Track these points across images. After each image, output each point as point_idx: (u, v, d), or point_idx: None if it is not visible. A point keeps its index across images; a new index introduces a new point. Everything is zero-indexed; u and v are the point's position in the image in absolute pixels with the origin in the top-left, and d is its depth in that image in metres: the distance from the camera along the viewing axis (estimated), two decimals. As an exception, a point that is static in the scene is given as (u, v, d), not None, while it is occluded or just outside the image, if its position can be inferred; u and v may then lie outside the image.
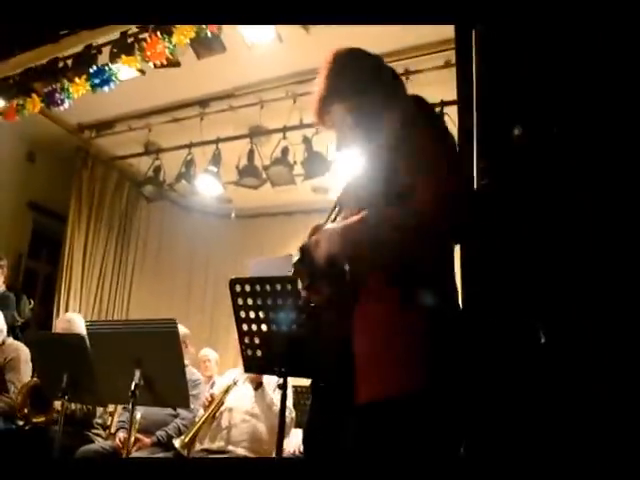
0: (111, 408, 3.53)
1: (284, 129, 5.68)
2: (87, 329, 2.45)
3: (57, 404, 3.31)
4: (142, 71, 4.26)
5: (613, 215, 1.46)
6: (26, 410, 3.08)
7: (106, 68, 3.53)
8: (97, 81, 3.64)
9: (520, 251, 1.54)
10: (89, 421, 3.42)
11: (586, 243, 1.47)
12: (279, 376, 1.99)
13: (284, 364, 1.99)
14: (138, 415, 3.13)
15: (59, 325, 3.79)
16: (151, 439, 3.11)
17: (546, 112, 1.52)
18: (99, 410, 3.35)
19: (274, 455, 1.97)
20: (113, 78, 3.62)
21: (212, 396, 3.03)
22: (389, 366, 1.40)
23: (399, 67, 4.95)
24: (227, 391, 3.02)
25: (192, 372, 3.26)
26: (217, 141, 5.95)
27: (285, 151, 5.64)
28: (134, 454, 2.96)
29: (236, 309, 2.13)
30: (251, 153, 5.81)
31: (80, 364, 2.55)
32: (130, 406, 2.28)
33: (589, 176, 1.47)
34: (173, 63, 3.88)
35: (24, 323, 4.85)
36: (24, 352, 3.48)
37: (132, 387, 2.28)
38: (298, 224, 6.30)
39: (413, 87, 4.94)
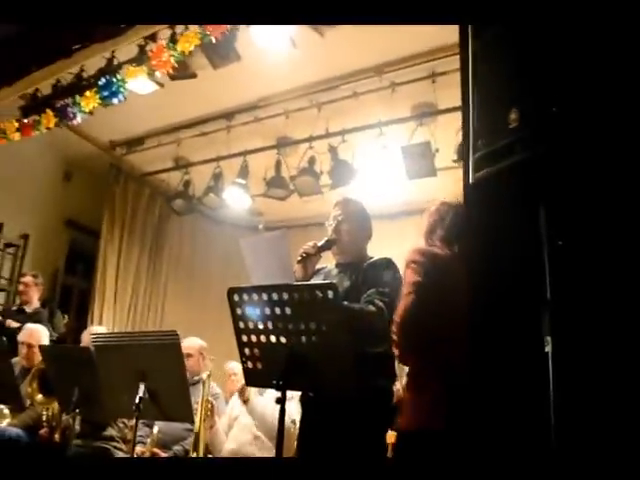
0: (132, 422, 3.52)
1: (310, 139, 5.65)
2: (92, 342, 2.45)
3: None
4: (160, 84, 4.31)
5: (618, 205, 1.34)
6: (34, 393, 3.11)
7: (114, 80, 3.57)
8: (106, 93, 3.68)
9: (518, 244, 1.43)
10: (102, 432, 3.40)
11: (591, 235, 1.35)
12: (277, 389, 1.91)
13: (282, 377, 1.91)
14: (155, 429, 3.11)
15: (85, 338, 3.83)
16: (168, 454, 3.08)
17: (544, 92, 1.40)
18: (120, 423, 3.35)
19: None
20: (121, 90, 3.65)
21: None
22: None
23: (424, 70, 4.88)
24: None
25: (211, 386, 3.22)
26: (244, 153, 5.96)
27: (312, 161, 5.61)
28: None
29: (235, 319, 2.07)
30: (278, 164, 5.81)
31: (89, 378, 2.54)
32: (135, 420, 2.26)
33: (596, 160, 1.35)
34: (189, 75, 3.89)
35: (59, 338, 4.94)
36: None
37: (137, 401, 2.25)
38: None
39: (439, 88, 4.86)
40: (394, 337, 2.07)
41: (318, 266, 2.58)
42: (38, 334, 3.86)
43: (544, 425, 1.24)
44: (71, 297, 6.92)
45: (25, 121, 4.22)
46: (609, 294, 1.32)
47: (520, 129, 1.41)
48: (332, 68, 5.09)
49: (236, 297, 2.04)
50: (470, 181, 1.53)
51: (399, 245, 6.24)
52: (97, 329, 3.97)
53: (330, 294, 1.85)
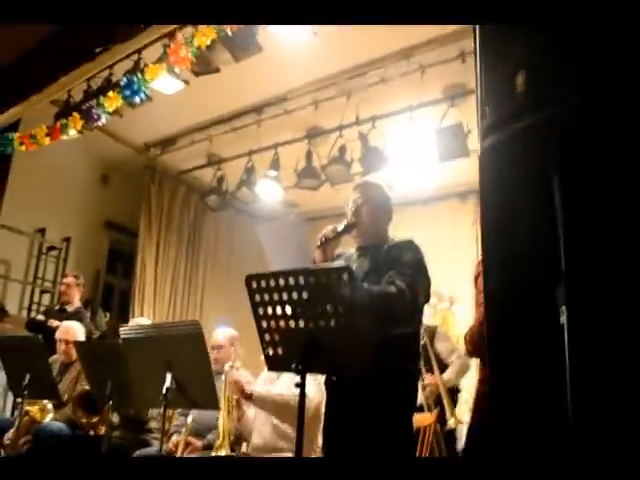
0: (170, 412, 3.56)
1: (340, 127, 5.61)
2: (121, 335, 2.48)
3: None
4: (186, 82, 4.34)
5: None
6: (80, 416, 3.18)
7: (134, 79, 3.60)
8: (128, 93, 3.72)
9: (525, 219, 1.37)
10: (142, 424, 3.46)
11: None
12: (297, 373, 1.89)
13: (301, 361, 1.89)
14: (190, 419, 3.14)
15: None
16: (202, 442, 3.11)
17: (550, 53, 1.33)
18: (154, 412, 3.40)
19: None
20: (143, 88, 3.69)
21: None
22: None
23: (453, 50, 4.77)
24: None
25: (244, 375, 3.23)
26: (275, 146, 5.97)
27: (342, 149, 5.58)
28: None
29: (254, 306, 2.06)
30: (309, 154, 5.79)
31: (120, 370, 2.58)
32: (162, 409, 2.28)
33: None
34: (212, 70, 3.91)
35: (101, 335, 5.07)
36: None
37: (164, 391, 2.27)
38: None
39: (470, 68, 4.74)
40: (468, 347, 2.09)
41: (338, 251, 2.54)
42: (73, 331, 3.95)
43: (561, 398, 1.18)
44: (112, 296, 7.12)
45: (54, 126, 4.31)
46: (626, 264, 1.25)
47: (527, 93, 1.34)
48: (358, 54, 5.03)
49: (254, 284, 2.02)
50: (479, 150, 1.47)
51: (431, 230, 6.25)
52: (140, 320, 4.02)
53: (345, 276, 1.82)
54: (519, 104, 1.36)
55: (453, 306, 6.13)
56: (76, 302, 4.97)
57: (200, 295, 7.04)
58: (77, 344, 3.23)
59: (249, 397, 2.86)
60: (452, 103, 5.06)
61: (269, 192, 5.99)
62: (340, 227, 2.44)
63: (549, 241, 1.30)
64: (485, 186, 1.50)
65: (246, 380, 3.17)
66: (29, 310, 6.08)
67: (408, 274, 2.26)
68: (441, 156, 4.83)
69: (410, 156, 5.19)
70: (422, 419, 2.61)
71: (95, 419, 3.23)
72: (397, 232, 2.57)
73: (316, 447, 2.87)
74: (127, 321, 5.96)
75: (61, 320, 4.42)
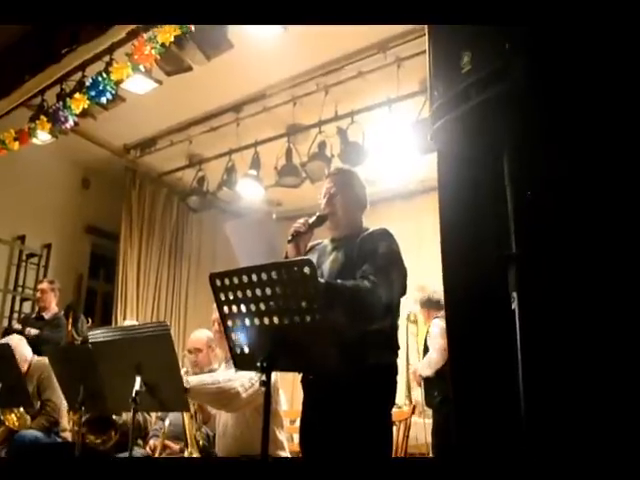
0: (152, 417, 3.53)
1: (319, 123, 5.59)
2: (90, 339, 2.44)
3: (120, 419, 3.37)
4: (158, 81, 4.29)
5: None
6: (92, 439, 3.15)
7: (100, 79, 3.55)
8: (93, 93, 3.67)
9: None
10: (141, 430, 3.43)
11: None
12: (261, 371, 1.85)
13: (267, 359, 1.85)
14: (167, 422, 3.10)
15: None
16: (180, 446, 3.07)
17: (494, 31, 1.30)
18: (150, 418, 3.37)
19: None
20: (108, 88, 3.64)
21: None
22: None
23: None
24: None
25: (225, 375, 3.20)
26: (255, 144, 5.94)
27: (322, 145, 5.56)
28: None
29: (219, 305, 2.01)
30: (288, 152, 5.76)
31: (92, 375, 2.54)
32: (132, 413, 2.24)
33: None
34: (184, 69, 3.86)
35: (82, 341, 5.00)
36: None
37: (133, 394, 2.23)
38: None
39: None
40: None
41: (312, 242, 2.49)
42: (18, 349, 3.71)
43: (512, 384, 1.15)
44: (96, 301, 7.06)
45: (22, 130, 4.26)
46: (579, 247, 1.22)
47: (473, 72, 1.31)
48: (333, 49, 5.01)
49: (218, 282, 1.97)
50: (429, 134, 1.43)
51: (416, 224, 6.22)
52: (128, 322, 3.97)
53: (307, 270, 1.78)
54: (466, 84, 1.32)
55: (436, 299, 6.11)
56: (53, 308, 4.91)
57: (184, 296, 6.99)
58: (48, 350, 3.19)
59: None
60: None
61: (250, 191, 5.96)
62: (312, 219, 2.38)
63: (503, 222, 1.27)
64: (439, 169, 1.47)
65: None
66: (10, 319, 6.01)
67: (382, 267, 2.21)
68: (420, 149, 4.80)
69: (391, 150, 5.16)
70: (399, 413, 2.58)
71: (104, 437, 3.20)
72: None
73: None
74: (111, 325, 5.93)
75: (39, 328, 4.37)
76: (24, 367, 3.71)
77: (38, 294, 4.98)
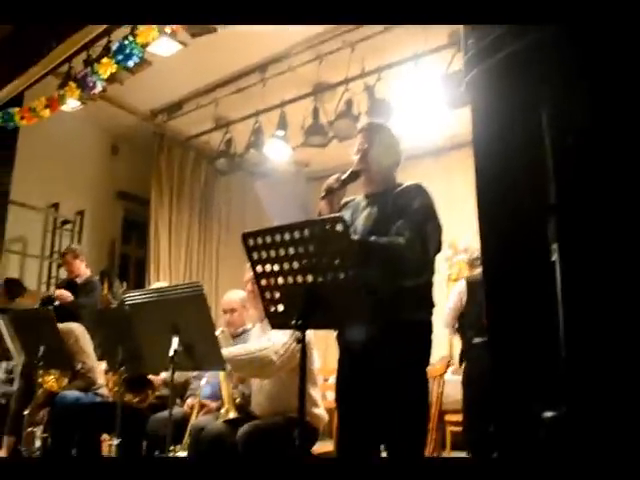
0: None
1: (346, 81, 5.50)
2: (126, 301, 2.48)
3: (156, 380, 3.45)
4: (183, 43, 4.25)
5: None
6: (130, 398, 3.22)
7: (126, 43, 3.53)
8: (120, 57, 3.66)
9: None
10: (185, 389, 3.51)
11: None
12: (296, 329, 1.86)
13: (301, 316, 1.86)
14: (204, 381, 3.16)
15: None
16: (217, 404, 3.14)
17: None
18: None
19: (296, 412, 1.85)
20: (135, 51, 3.61)
21: None
22: None
23: None
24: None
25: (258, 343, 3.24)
26: (281, 104, 5.88)
27: (349, 103, 5.48)
28: (201, 418, 2.99)
29: (253, 264, 2.01)
30: (315, 111, 5.70)
31: (129, 335, 2.59)
32: (170, 372, 2.28)
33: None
34: (208, 30, 3.81)
35: (118, 304, 5.10)
36: (76, 330, 3.63)
37: (171, 353, 2.27)
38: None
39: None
40: None
41: (346, 199, 2.45)
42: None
43: (553, 337, 1.13)
44: (129, 265, 7.20)
45: (52, 97, 4.28)
46: (622, 196, 1.17)
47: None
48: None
49: (251, 241, 1.98)
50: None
51: (445, 181, 6.14)
52: (159, 285, 4.02)
53: (339, 227, 1.77)
54: (501, 32, 1.27)
55: (469, 256, 6.06)
56: (84, 272, 4.92)
57: (215, 258, 7.09)
58: (86, 314, 3.28)
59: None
60: (459, 48, 4.89)
61: (278, 152, 5.92)
62: (345, 175, 2.33)
63: (541, 173, 1.23)
64: (473, 121, 1.42)
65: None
66: (48, 285, 6.17)
67: (417, 222, 2.18)
68: (449, 104, 4.70)
69: (418, 106, 5.06)
70: (432, 370, 2.58)
71: (142, 396, 3.28)
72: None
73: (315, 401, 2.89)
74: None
75: (73, 293, 4.45)
76: None
77: (64, 266, 5.01)
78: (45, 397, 3.54)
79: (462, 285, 4.21)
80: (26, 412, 3.28)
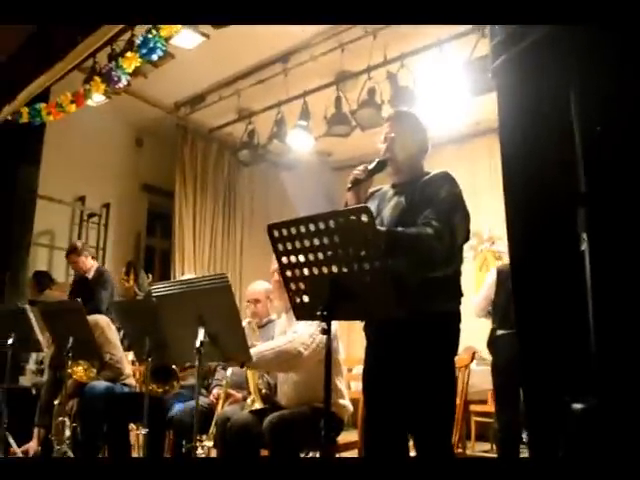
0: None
1: (368, 69, 5.45)
2: (152, 292, 2.51)
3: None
4: (206, 35, 4.26)
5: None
6: (154, 388, 3.25)
7: (149, 36, 3.55)
8: (144, 51, 3.68)
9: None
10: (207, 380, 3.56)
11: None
12: (322, 320, 1.86)
13: (326, 307, 1.85)
14: (229, 372, 3.19)
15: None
16: (242, 394, 3.17)
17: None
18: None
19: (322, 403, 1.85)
20: (159, 45, 3.63)
21: None
22: None
23: None
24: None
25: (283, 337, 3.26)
26: (304, 94, 5.86)
27: (371, 91, 5.43)
28: (226, 408, 3.02)
29: (278, 256, 2.01)
30: (338, 100, 5.67)
31: (156, 327, 2.62)
32: (196, 363, 2.31)
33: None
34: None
35: (145, 296, 5.17)
36: (101, 322, 3.69)
37: (197, 344, 2.29)
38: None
39: None
40: None
41: (372, 189, 2.43)
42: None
43: (583, 328, 1.11)
44: (154, 257, 7.29)
45: (78, 92, 4.34)
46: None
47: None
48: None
49: (276, 233, 1.98)
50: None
51: (469, 169, 6.07)
52: (187, 276, 4.06)
53: (364, 218, 1.76)
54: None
55: (494, 246, 6.01)
56: (92, 266, 4.90)
57: (239, 249, 7.15)
58: (113, 304, 3.33)
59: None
60: (483, 33, 4.81)
61: (300, 142, 5.92)
62: (371, 165, 2.31)
63: (570, 160, 1.21)
64: (500, 107, 1.40)
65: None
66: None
67: (445, 211, 2.15)
68: (472, 90, 4.63)
69: (442, 93, 5.00)
70: (459, 360, 2.56)
71: (166, 387, 3.32)
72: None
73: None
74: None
75: (90, 289, 4.46)
76: None
77: (71, 266, 4.99)
78: (74, 388, 3.60)
79: (493, 274, 4.19)
80: (56, 402, 3.35)
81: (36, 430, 3.78)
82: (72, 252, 4.87)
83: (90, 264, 4.90)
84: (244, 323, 2.55)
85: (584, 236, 1.16)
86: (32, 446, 3.75)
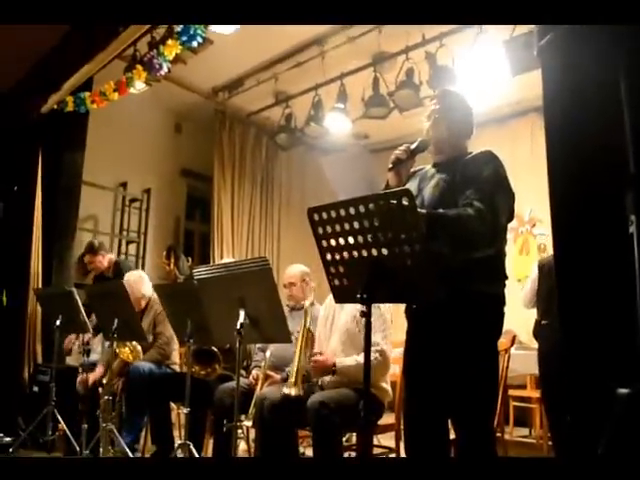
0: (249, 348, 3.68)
1: (406, 49, 5.37)
2: (194, 276, 2.56)
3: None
4: (242, 20, 4.25)
5: None
6: (196, 370, 3.33)
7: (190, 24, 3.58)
8: (185, 38, 3.71)
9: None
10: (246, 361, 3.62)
11: None
12: (362, 303, 1.86)
13: (366, 290, 1.86)
14: (268, 353, 3.23)
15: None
16: (281, 375, 3.21)
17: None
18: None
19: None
20: (199, 32, 3.66)
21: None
22: None
23: None
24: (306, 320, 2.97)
25: (317, 309, 3.28)
26: (341, 77, 5.83)
27: (409, 72, 5.35)
28: (265, 389, 3.07)
29: (318, 239, 2.02)
30: (375, 82, 5.61)
31: (197, 309, 2.68)
32: (237, 344, 2.35)
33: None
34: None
35: (185, 279, 5.26)
36: (152, 300, 3.82)
37: (238, 326, 2.34)
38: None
39: None
40: None
41: (414, 169, 2.40)
42: (135, 286, 3.93)
43: (630, 313, 1.09)
44: (193, 241, 7.40)
45: (121, 80, 4.41)
46: None
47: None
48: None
49: (316, 216, 1.99)
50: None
51: (510, 149, 5.95)
52: (227, 260, 4.12)
53: (405, 201, 1.75)
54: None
55: (534, 228, 5.90)
56: (109, 262, 4.92)
57: (277, 233, 7.22)
58: (157, 288, 3.40)
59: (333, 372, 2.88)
60: (525, 10, 4.69)
61: (338, 125, 5.90)
62: (414, 145, 2.28)
63: (618, 143, 1.18)
64: (545, 86, 1.38)
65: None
66: (118, 260, 6.42)
67: (487, 191, 2.10)
68: (513, 70, 4.52)
69: (482, 73, 4.90)
70: (499, 344, 2.54)
71: (209, 369, 3.40)
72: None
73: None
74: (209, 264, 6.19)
75: None
76: (142, 303, 3.97)
77: (89, 267, 4.90)
78: (120, 367, 3.71)
79: (535, 269, 4.17)
80: (104, 381, 3.46)
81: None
82: (87, 254, 4.87)
83: (108, 260, 4.91)
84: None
85: (632, 218, 1.14)
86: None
